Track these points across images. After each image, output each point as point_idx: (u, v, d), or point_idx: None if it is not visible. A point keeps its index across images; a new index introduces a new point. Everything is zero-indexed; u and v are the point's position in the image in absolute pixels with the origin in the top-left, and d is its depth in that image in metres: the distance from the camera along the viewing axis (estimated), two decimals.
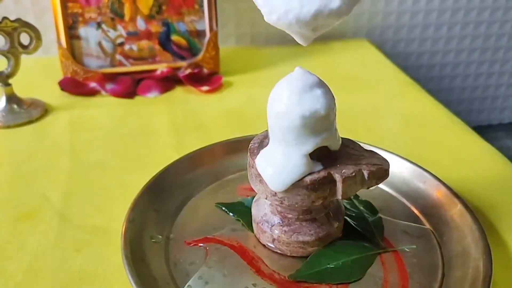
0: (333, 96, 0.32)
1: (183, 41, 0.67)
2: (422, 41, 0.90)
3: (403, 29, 0.88)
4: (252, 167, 0.33)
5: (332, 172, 0.32)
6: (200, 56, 0.67)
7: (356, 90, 0.65)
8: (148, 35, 0.66)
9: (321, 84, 0.31)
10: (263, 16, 0.29)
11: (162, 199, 0.40)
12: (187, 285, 0.32)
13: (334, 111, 0.32)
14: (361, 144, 0.35)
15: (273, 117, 0.32)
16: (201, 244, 0.36)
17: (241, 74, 0.70)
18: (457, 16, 0.88)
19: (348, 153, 0.34)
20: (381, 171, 0.32)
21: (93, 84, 0.64)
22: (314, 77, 0.31)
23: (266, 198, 0.33)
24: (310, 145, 0.31)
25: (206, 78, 0.67)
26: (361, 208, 0.39)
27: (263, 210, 0.36)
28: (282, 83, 0.32)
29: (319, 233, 0.34)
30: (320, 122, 0.31)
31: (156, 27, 0.66)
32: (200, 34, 0.68)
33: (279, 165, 0.32)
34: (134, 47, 0.66)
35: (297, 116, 0.30)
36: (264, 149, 0.33)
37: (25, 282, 0.34)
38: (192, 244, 0.36)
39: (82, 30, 0.64)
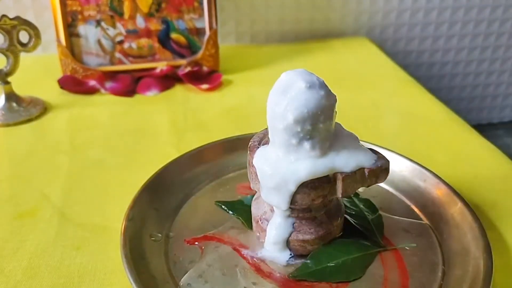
0: (332, 97, 0.31)
1: (182, 39, 0.67)
2: (422, 39, 0.90)
3: (403, 28, 0.88)
4: (252, 166, 0.33)
5: None
6: (199, 54, 0.67)
7: (356, 88, 0.65)
8: (147, 33, 0.66)
9: (320, 85, 0.31)
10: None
11: (161, 198, 0.40)
12: (187, 284, 0.32)
13: (329, 112, 0.31)
14: (361, 142, 0.35)
15: (270, 118, 0.32)
16: (200, 243, 0.36)
17: (241, 72, 0.69)
18: (457, 14, 0.88)
19: None
20: (381, 170, 0.32)
21: (92, 82, 0.64)
22: (312, 77, 0.31)
23: None
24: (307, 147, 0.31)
25: (205, 76, 0.66)
26: (361, 206, 0.39)
27: (262, 209, 0.36)
28: (278, 84, 0.31)
29: (319, 232, 0.34)
30: (315, 123, 0.30)
31: (155, 25, 0.66)
32: (199, 32, 0.67)
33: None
34: (134, 45, 0.66)
35: (291, 118, 0.30)
36: (262, 148, 0.33)
37: (25, 281, 0.34)
38: (191, 243, 0.36)
39: (82, 28, 0.64)
